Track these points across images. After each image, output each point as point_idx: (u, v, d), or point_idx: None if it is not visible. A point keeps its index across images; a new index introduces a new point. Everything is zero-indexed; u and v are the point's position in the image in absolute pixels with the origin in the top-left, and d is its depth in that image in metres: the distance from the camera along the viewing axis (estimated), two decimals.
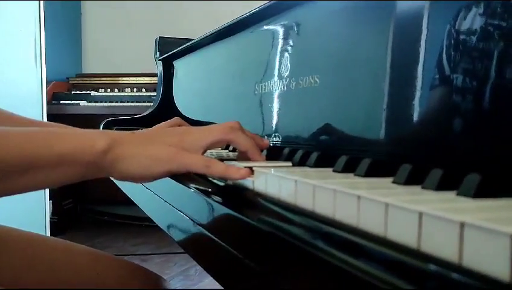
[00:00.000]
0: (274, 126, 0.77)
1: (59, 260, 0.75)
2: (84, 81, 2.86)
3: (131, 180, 0.50)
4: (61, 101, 2.59)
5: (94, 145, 0.47)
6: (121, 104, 2.59)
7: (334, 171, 0.43)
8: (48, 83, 2.60)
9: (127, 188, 1.04)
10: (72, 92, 2.73)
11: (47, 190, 2.18)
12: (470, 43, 0.39)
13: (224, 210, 0.43)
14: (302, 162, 0.50)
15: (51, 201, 2.61)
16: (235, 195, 0.46)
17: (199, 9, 2.90)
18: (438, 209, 0.24)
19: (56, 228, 2.61)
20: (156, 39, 1.38)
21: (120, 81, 2.81)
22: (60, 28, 2.95)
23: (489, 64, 0.37)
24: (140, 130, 0.63)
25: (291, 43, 0.72)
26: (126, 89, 2.76)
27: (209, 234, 0.46)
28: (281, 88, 0.74)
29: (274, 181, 0.40)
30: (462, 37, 0.40)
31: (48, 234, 2.20)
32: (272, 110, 0.79)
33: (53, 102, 2.57)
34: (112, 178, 0.55)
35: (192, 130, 0.54)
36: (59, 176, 0.47)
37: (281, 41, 0.75)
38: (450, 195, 0.30)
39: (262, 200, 0.40)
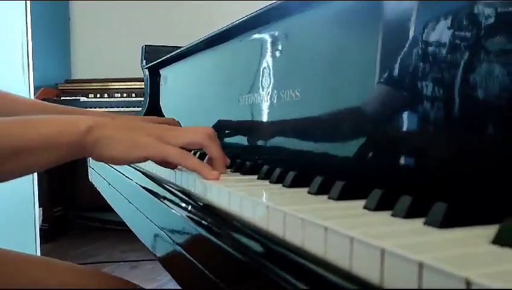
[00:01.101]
0: (257, 138, 0.77)
1: (40, 276, 0.75)
2: (73, 87, 2.84)
3: (109, 161, 0.55)
4: None
5: (77, 127, 0.52)
6: (111, 109, 2.58)
7: (308, 193, 0.43)
8: (36, 89, 2.59)
9: (113, 200, 1.04)
10: (61, 98, 2.71)
11: (36, 198, 2.16)
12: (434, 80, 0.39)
13: (197, 230, 0.42)
14: (280, 180, 0.50)
15: (41, 208, 2.59)
16: (209, 214, 0.45)
17: (189, 15, 2.90)
18: (400, 246, 0.24)
19: (46, 235, 2.60)
20: (142, 47, 1.38)
21: (110, 87, 2.80)
22: (48, 34, 2.93)
23: (453, 94, 0.37)
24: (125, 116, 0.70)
25: (276, 54, 0.72)
26: (116, 95, 2.74)
27: (184, 253, 0.46)
28: (264, 100, 0.74)
29: (249, 205, 0.40)
30: (427, 69, 0.40)
31: (38, 241, 2.19)
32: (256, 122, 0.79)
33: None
34: (91, 159, 0.59)
35: (174, 128, 0.60)
36: (47, 157, 0.52)
37: (267, 52, 0.75)
38: (418, 224, 0.30)
39: (236, 222, 0.40)
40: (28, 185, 2.13)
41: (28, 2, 2.15)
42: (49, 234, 2.62)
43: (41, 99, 2.61)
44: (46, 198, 2.63)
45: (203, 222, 0.43)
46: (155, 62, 1.27)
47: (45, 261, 0.80)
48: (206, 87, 1.08)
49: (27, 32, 2.13)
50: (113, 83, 2.81)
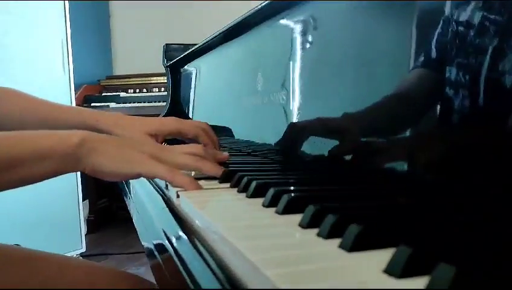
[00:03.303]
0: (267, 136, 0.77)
1: (54, 274, 0.79)
2: (114, 83, 2.94)
3: (102, 176, 0.56)
4: (92, 104, 2.68)
5: (70, 139, 0.55)
6: (149, 104, 2.65)
7: (262, 205, 0.43)
8: (79, 86, 2.71)
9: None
10: (102, 94, 2.82)
11: (80, 191, 2.28)
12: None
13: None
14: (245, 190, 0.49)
15: (87, 200, 2.73)
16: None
17: (227, 12, 2.90)
18: (286, 275, 0.24)
19: (92, 226, 2.73)
20: (163, 46, 1.40)
21: (150, 81, 2.87)
22: (90, 32, 3.05)
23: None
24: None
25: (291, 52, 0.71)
26: (154, 89, 2.81)
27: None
28: (279, 99, 0.74)
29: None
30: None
31: (83, 232, 2.30)
32: (267, 121, 0.80)
33: (84, 105, 2.66)
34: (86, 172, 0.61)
35: (169, 149, 0.61)
36: (43, 169, 0.54)
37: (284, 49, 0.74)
38: (333, 247, 0.30)
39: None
40: (72, 180, 2.24)
41: (67, 2, 2.22)
42: (95, 224, 2.75)
43: (84, 96, 2.74)
44: (92, 191, 2.76)
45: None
46: (174, 60, 1.29)
47: (62, 259, 0.84)
48: (221, 82, 1.09)
49: (66, 31, 2.21)
50: (152, 78, 2.88)
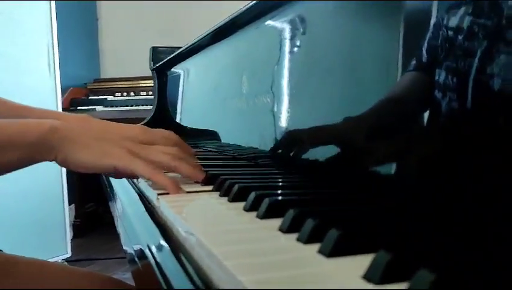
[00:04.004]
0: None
1: (34, 279, 0.77)
2: (101, 86, 2.92)
3: (74, 167, 0.54)
4: (78, 107, 2.66)
5: (40, 126, 0.53)
6: (136, 108, 2.63)
7: (243, 209, 0.42)
8: (66, 89, 2.68)
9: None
10: (89, 98, 2.79)
11: (65, 195, 2.24)
12: None
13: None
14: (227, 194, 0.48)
15: (73, 204, 2.69)
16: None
17: (218, 14, 2.90)
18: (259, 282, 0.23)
19: (79, 230, 2.70)
20: (150, 49, 1.39)
21: (138, 85, 2.85)
22: (77, 35, 3.02)
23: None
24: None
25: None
26: (141, 93, 2.79)
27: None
28: (266, 102, 0.73)
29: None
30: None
31: (68, 237, 2.27)
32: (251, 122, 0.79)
33: (70, 108, 2.63)
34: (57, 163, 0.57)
35: (148, 146, 0.59)
36: (15, 157, 0.53)
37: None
38: (312, 252, 0.29)
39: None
40: (57, 184, 2.21)
41: (53, 2, 2.19)
42: (81, 229, 2.71)
43: (70, 99, 2.71)
44: (78, 195, 2.72)
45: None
46: (160, 63, 1.28)
47: (43, 264, 0.82)
48: (205, 86, 1.08)
49: (52, 32, 2.18)
50: (140, 81, 2.86)
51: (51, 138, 0.53)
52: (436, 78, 0.39)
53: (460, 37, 0.37)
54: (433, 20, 0.41)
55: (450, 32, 0.38)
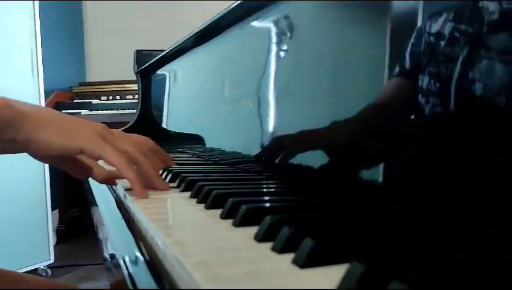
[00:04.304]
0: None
1: None
2: (86, 90, 2.88)
3: (37, 148, 0.50)
4: (63, 111, 2.62)
5: None
6: (122, 111, 2.60)
7: (220, 216, 0.41)
8: (50, 92, 2.64)
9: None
10: (74, 101, 2.76)
11: (48, 200, 2.21)
12: None
13: None
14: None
15: (57, 210, 2.65)
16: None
17: (204, 17, 2.88)
18: None
19: (63, 236, 2.65)
20: (134, 52, 1.38)
21: (124, 88, 2.82)
22: (62, 38, 2.98)
23: None
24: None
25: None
26: (128, 96, 2.77)
27: None
28: (250, 106, 0.72)
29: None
30: None
31: (51, 243, 2.23)
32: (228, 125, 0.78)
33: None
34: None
35: (119, 133, 0.58)
36: None
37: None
38: (285, 262, 0.28)
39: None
40: (40, 189, 2.17)
41: (36, 2, 2.14)
42: (65, 235, 2.67)
43: (55, 103, 2.68)
44: (62, 200, 2.68)
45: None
46: (144, 66, 1.27)
47: (15, 276, 0.80)
48: (196, 88, 1.07)
49: (36, 34, 2.13)
50: (126, 85, 2.83)
51: (8, 113, 0.48)
52: (420, 83, 0.39)
53: (442, 43, 0.37)
54: (418, 25, 0.40)
55: (432, 38, 0.38)
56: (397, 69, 0.43)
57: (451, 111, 0.36)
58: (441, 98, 0.37)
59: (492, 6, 0.33)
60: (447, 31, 0.37)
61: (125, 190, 0.55)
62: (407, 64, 0.41)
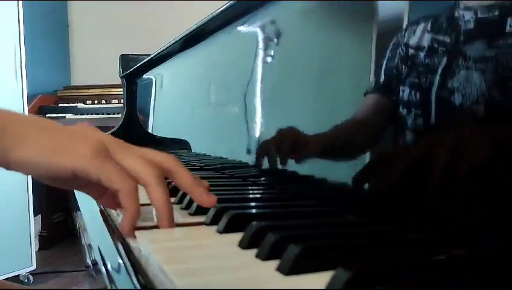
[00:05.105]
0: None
1: None
2: (71, 94, 2.85)
3: (17, 168, 0.40)
4: (47, 115, 2.59)
5: None
6: (108, 116, 2.58)
7: (204, 223, 0.40)
8: (34, 96, 2.61)
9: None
10: (59, 105, 2.73)
11: (31, 206, 2.17)
12: None
13: None
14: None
15: (39, 215, 2.61)
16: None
17: (193, 20, 2.87)
18: None
19: (45, 241, 2.61)
20: (119, 56, 1.37)
21: (109, 93, 2.80)
22: (47, 41, 2.95)
23: None
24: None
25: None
26: (113, 100, 2.75)
27: None
28: (236, 111, 0.72)
29: None
30: None
31: (33, 249, 2.19)
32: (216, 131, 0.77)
33: (39, 116, 2.56)
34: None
35: (125, 144, 0.43)
36: None
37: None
38: (270, 269, 0.28)
39: None
40: (22, 194, 2.13)
41: (20, 2, 2.10)
42: (48, 240, 2.63)
43: (38, 107, 2.64)
44: (45, 205, 2.64)
45: None
46: (128, 71, 1.26)
47: None
48: (181, 92, 1.06)
49: (20, 34, 2.09)
50: (111, 89, 2.80)
51: None
52: (400, 94, 0.39)
53: (421, 54, 0.37)
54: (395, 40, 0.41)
55: (411, 50, 0.38)
56: (372, 84, 0.43)
57: (432, 122, 0.36)
58: (422, 108, 0.37)
59: (468, 15, 0.33)
60: (425, 42, 0.37)
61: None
62: (382, 79, 0.42)
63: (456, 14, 0.34)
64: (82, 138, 0.39)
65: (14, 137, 0.39)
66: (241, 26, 0.74)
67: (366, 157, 0.42)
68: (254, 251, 0.31)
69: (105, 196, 0.45)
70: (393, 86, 0.40)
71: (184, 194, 0.49)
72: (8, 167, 0.40)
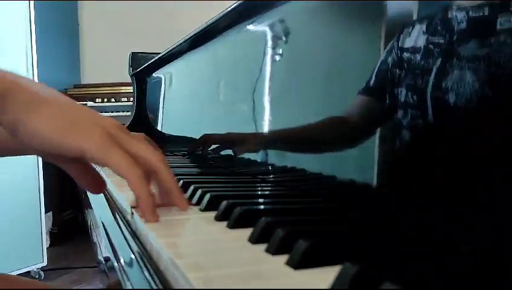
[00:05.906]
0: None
1: None
2: (81, 92, 2.87)
3: (26, 138, 0.39)
4: None
5: None
6: (117, 114, 2.60)
7: (214, 218, 0.41)
8: None
9: None
10: None
11: (42, 203, 2.19)
12: None
13: None
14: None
15: (50, 212, 2.64)
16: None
17: (202, 19, 2.88)
18: None
19: (56, 238, 2.64)
20: (129, 55, 1.38)
21: (119, 91, 2.82)
22: (58, 40, 2.97)
23: None
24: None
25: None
26: (123, 99, 2.76)
27: None
28: (245, 108, 0.73)
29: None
30: None
31: (44, 245, 2.21)
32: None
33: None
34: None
35: (133, 136, 0.44)
36: None
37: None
38: (279, 264, 0.28)
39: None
40: (34, 191, 2.16)
41: (32, 2, 2.12)
42: (59, 237, 2.66)
43: None
44: (56, 202, 2.67)
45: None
46: (138, 69, 1.27)
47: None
48: (191, 90, 1.07)
49: (31, 34, 2.11)
50: (121, 87, 2.82)
51: None
52: (398, 96, 0.39)
53: (418, 56, 0.37)
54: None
55: (406, 53, 0.38)
56: (363, 86, 0.43)
57: (429, 123, 0.36)
58: (419, 109, 0.37)
59: (461, 15, 0.33)
60: (421, 43, 0.37)
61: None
62: (372, 82, 0.42)
63: (450, 15, 0.35)
64: (93, 121, 0.40)
65: (29, 101, 0.38)
66: (250, 25, 0.74)
67: (371, 153, 0.42)
68: (263, 246, 0.31)
69: (85, 177, 0.44)
70: (384, 89, 0.40)
71: (194, 191, 0.50)
72: (15, 134, 0.39)
